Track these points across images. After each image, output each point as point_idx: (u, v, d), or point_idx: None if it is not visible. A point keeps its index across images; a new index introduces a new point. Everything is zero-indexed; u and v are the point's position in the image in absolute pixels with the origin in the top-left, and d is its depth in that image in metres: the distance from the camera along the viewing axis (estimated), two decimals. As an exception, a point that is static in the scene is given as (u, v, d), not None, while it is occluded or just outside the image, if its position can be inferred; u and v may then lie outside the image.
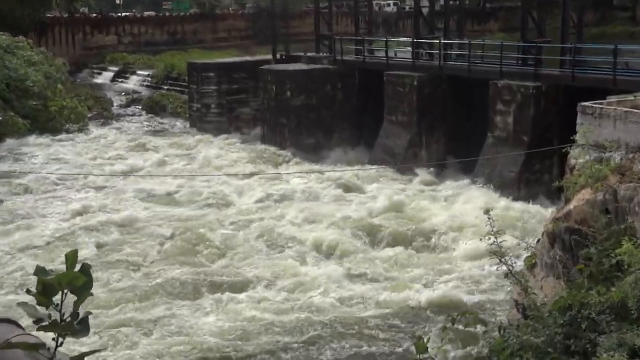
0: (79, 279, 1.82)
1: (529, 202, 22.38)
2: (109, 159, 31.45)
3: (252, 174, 27.04)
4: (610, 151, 13.51)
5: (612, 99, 16.45)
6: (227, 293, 16.82)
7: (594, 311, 7.09)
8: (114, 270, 18.23)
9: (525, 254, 12.28)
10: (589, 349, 6.72)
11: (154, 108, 42.54)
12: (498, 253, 8.23)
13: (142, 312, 15.87)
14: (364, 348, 14.54)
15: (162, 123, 39.80)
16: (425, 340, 4.21)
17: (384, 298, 16.65)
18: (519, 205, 22.23)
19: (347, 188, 25.57)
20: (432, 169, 26.66)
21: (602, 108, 15.30)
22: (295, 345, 14.60)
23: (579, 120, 15.41)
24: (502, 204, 22.18)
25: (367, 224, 21.47)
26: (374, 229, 21.02)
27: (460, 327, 7.10)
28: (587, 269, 8.54)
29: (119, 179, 27.29)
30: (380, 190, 25.01)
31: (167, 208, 24.03)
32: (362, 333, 15.09)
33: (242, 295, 16.72)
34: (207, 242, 20.07)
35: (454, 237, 20.22)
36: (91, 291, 1.84)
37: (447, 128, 27.73)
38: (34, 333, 1.94)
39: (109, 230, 21.44)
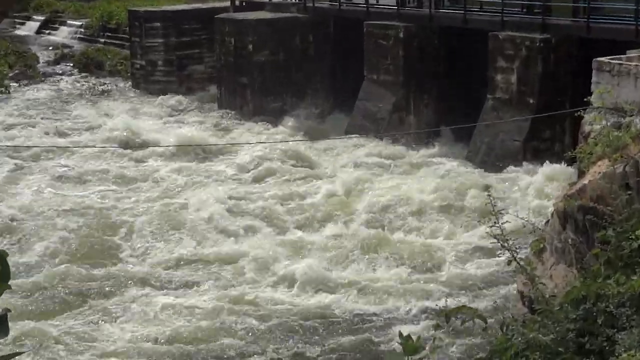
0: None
1: (535, 175, 22.51)
2: (18, 127, 30.81)
3: (189, 145, 26.34)
4: (630, 115, 13.60)
5: (633, 53, 16.55)
6: (145, 295, 16.59)
7: (612, 303, 7.16)
8: None
9: (531, 238, 12.37)
10: (606, 348, 6.79)
11: (88, 66, 42.07)
12: (500, 237, 8.27)
13: (39, 322, 15.48)
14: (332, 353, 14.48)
15: (98, 84, 39.37)
16: (414, 340, 4.23)
17: (352, 292, 16.62)
18: (521, 179, 22.37)
19: (312, 163, 25.45)
20: (421, 138, 26.69)
21: (621, 64, 15.40)
22: (241, 353, 14.49)
23: (594, 79, 15.50)
24: (503, 179, 22.32)
25: (324, 206, 21.41)
26: (333, 212, 20.95)
27: (457, 324, 7.13)
28: (604, 254, 8.61)
29: (28, 154, 26.76)
30: (354, 164, 24.97)
31: (76, 191, 23.58)
32: (329, 334, 15.05)
33: (164, 298, 16.49)
34: (121, 234, 19.85)
35: (442, 219, 20.30)
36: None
37: (440, 89, 27.73)
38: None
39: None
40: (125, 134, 28.80)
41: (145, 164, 26.24)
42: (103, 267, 18.15)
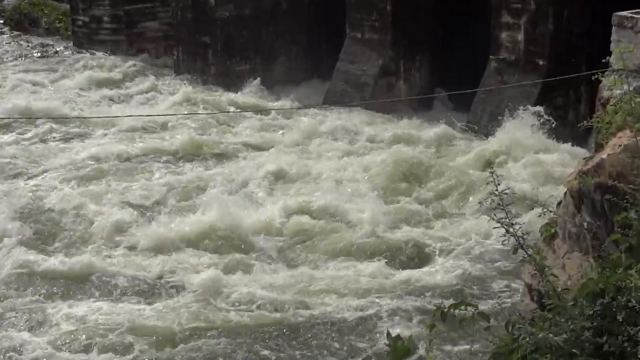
0: None
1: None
2: None
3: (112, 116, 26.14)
4: (656, 79, 13.66)
5: (660, 6, 16.59)
6: (70, 302, 16.18)
7: (635, 297, 7.18)
8: None
9: (541, 222, 12.41)
10: (628, 349, 6.81)
11: (22, 22, 41.87)
12: (504, 221, 8.28)
13: None
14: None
15: (33, 44, 39.13)
16: (405, 341, 4.22)
17: (322, 292, 16.43)
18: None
19: (279, 139, 25.25)
20: (413, 106, 26.75)
21: (645, 20, 15.43)
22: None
23: (614, 37, 15.53)
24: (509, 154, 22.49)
25: (279, 189, 21.29)
26: (289, 195, 20.76)
27: (454, 322, 7.15)
28: (626, 240, 8.62)
29: None
30: (328, 137, 25.01)
31: None
32: (305, 341, 14.94)
33: (87, 304, 16.12)
34: (16, 231, 18.98)
35: (435, 199, 20.48)
36: None
37: (434, 49, 27.81)
38: None
39: None
40: (40, 108, 28.31)
41: (67, 144, 25.49)
42: None
